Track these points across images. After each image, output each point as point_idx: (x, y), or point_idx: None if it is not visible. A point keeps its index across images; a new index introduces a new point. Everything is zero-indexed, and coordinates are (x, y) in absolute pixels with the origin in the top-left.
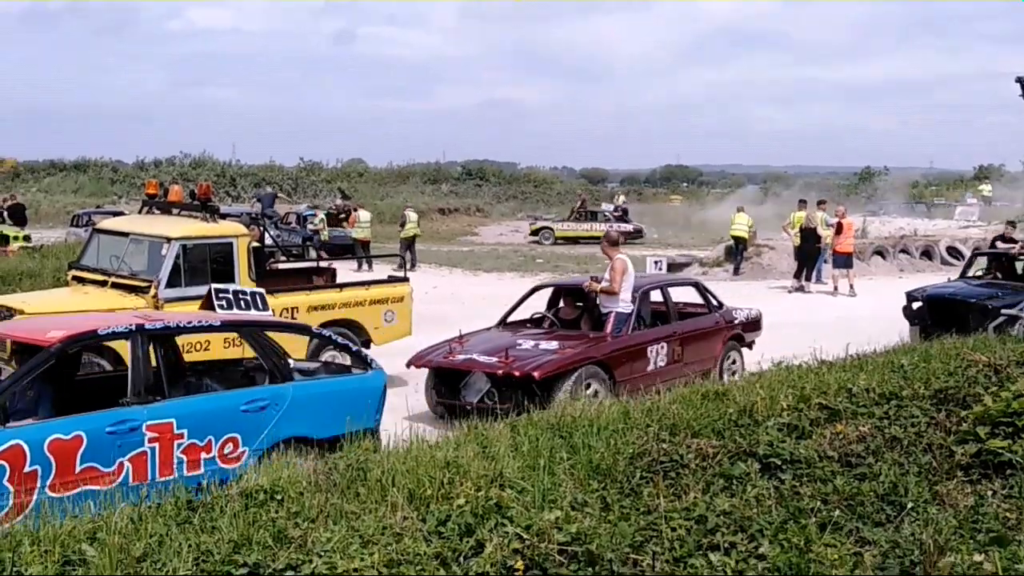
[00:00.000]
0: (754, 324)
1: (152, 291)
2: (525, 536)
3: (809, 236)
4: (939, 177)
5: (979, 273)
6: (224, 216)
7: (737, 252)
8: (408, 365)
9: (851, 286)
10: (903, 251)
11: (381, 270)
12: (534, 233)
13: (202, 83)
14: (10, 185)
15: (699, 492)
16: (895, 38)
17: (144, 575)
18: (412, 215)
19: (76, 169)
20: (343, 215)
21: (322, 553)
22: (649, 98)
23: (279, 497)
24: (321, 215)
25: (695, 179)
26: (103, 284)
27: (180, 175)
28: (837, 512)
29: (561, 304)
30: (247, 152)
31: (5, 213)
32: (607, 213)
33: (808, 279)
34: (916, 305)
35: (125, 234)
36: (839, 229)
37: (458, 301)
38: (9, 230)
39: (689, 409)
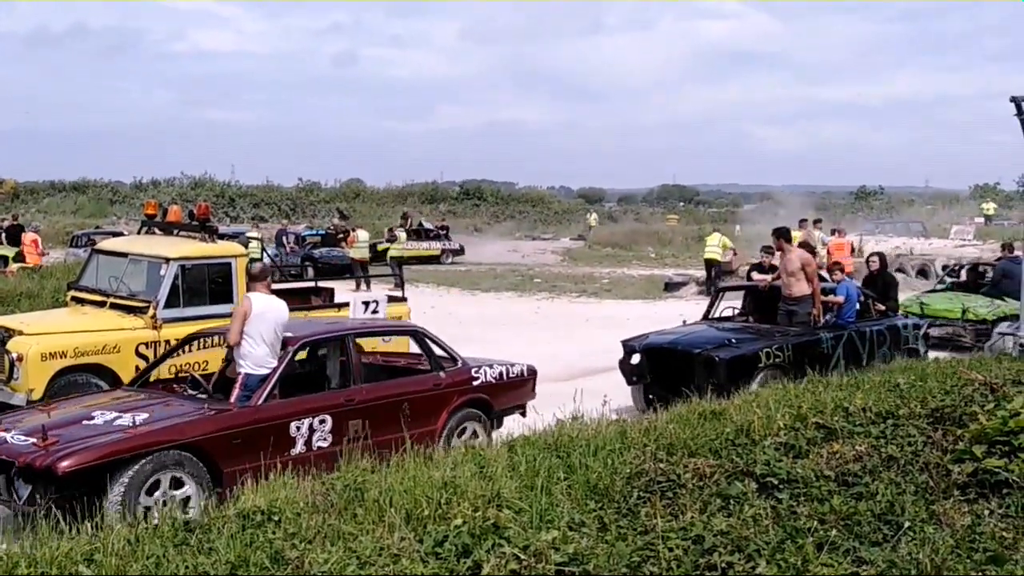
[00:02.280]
0: (512, 386)
1: (151, 311)
2: (522, 556)
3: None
4: (935, 196)
5: (732, 312)
6: (222, 236)
7: (710, 275)
8: None
9: None
10: (899, 270)
11: (378, 290)
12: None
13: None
14: (10, 206)
15: (696, 512)
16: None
17: None
18: (402, 234)
19: (75, 190)
20: (341, 235)
21: (319, 574)
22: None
23: (276, 518)
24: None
25: (692, 198)
26: (102, 304)
27: (179, 196)
28: (834, 532)
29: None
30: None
31: (3, 234)
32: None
33: None
34: (635, 358)
35: (124, 254)
36: (829, 249)
37: (455, 321)
38: (8, 251)
39: (686, 429)
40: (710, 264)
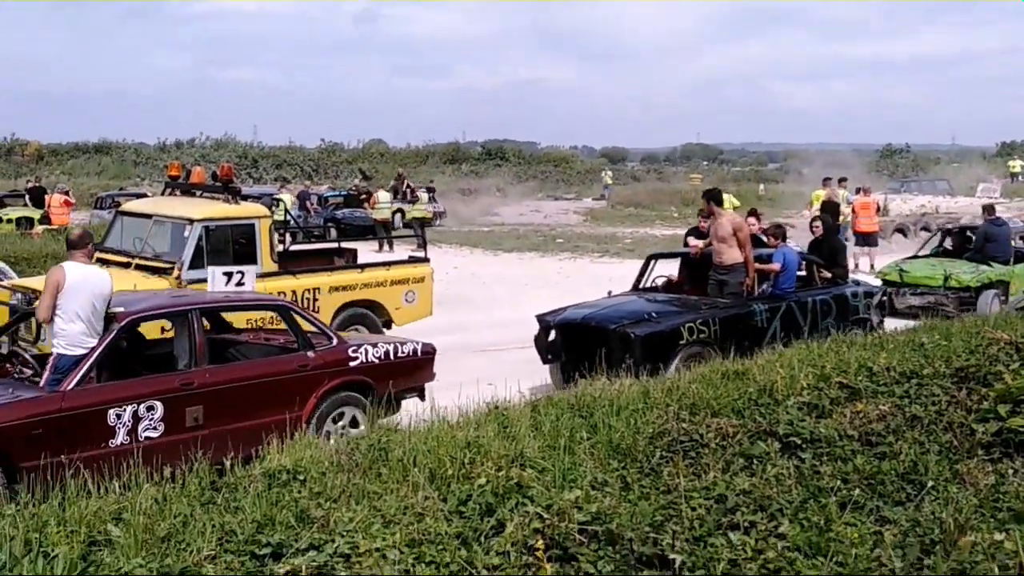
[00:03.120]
0: (403, 367)
1: (175, 272)
2: (545, 515)
3: (829, 210)
4: (961, 154)
5: (661, 282)
6: (246, 197)
7: None
8: None
9: (872, 265)
10: (924, 228)
11: (401, 251)
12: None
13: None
14: (34, 168)
15: (719, 471)
16: (920, 14)
17: (169, 554)
18: (423, 195)
19: (99, 152)
20: (364, 196)
21: (344, 533)
22: (670, 76)
23: (302, 477)
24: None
25: (715, 157)
26: (127, 266)
27: (202, 157)
28: (857, 491)
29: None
30: (269, 134)
31: (27, 196)
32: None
33: None
34: (552, 335)
35: (148, 216)
36: (854, 208)
37: (478, 281)
38: (33, 212)
39: (709, 388)
40: None
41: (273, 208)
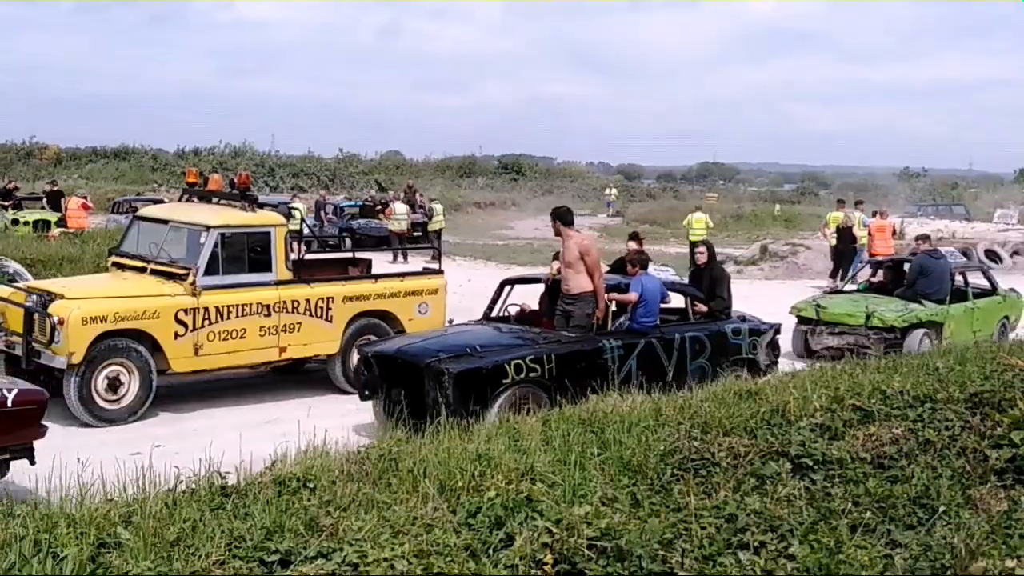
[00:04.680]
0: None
1: (190, 278)
2: (555, 530)
3: (845, 236)
4: (979, 179)
5: (515, 311)
6: (262, 206)
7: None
8: None
9: None
10: None
11: (416, 262)
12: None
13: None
14: (52, 171)
15: (730, 491)
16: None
17: (177, 558)
18: (439, 207)
19: (117, 156)
20: (379, 207)
21: (353, 542)
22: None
23: (312, 485)
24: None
25: (732, 177)
26: (142, 270)
27: (220, 164)
28: (868, 514)
29: None
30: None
31: (45, 199)
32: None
33: (843, 279)
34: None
35: (165, 222)
36: (870, 231)
37: (490, 294)
38: (51, 215)
39: (721, 407)
40: (695, 245)
41: (289, 217)
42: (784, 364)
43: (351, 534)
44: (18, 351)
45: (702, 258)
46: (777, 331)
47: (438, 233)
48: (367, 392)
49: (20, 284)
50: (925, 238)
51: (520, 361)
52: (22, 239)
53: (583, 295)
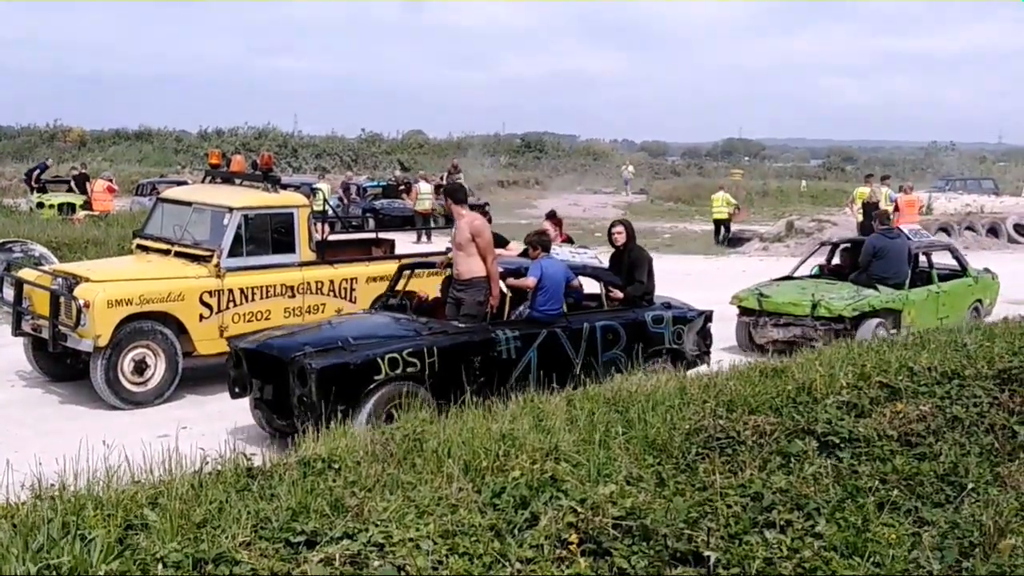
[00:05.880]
0: None
1: (214, 260)
2: (580, 510)
3: (871, 211)
4: (1008, 153)
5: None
6: (285, 187)
7: (719, 232)
8: None
9: None
10: (969, 228)
11: (440, 242)
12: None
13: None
14: (76, 154)
15: (755, 469)
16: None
17: (204, 540)
18: (424, 186)
19: (140, 139)
20: (402, 187)
21: (378, 522)
22: (713, 70)
23: (337, 466)
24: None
25: (757, 153)
26: (166, 253)
27: (243, 145)
28: (896, 492)
29: None
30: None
31: (72, 182)
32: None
33: None
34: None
35: (188, 204)
36: (896, 206)
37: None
38: (76, 199)
39: (747, 385)
40: (718, 223)
41: (311, 197)
42: (728, 358)
43: (376, 514)
44: (45, 334)
45: (620, 238)
46: (708, 318)
47: (551, 211)
48: (236, 390)
49: (46, 267)
50: (883, 216)
51: (396, 355)
52: (47, 222)
53: (474, 280)
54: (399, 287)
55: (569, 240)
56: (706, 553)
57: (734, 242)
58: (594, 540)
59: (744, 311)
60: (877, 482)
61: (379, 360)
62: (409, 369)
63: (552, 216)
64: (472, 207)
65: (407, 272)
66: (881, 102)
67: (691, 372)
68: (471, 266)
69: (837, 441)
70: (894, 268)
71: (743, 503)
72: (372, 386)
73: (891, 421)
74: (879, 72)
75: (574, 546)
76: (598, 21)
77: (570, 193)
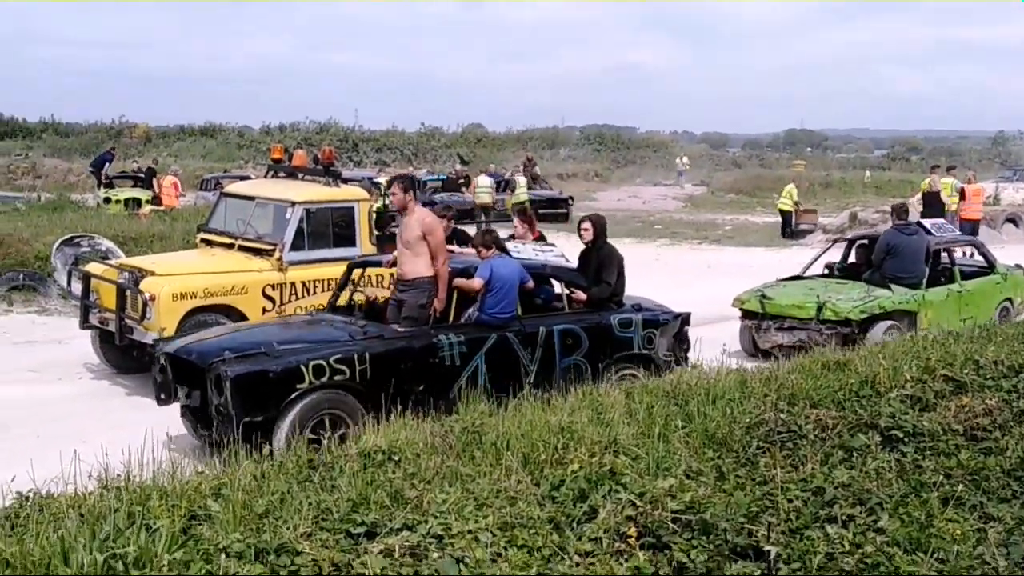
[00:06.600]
0: None
1: (277, 254)
2: (639, 503)
3: (932, 202)
4: None
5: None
6: (346, 181)
7: (785, 223)
8: None
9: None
10: None
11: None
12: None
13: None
14: (142, 150)
15: (817, 463)
16: None
17: (266, 530)
18: (521, 180)
19: (204, 134)
20: (462, 180)
21: (437, 514)
22: (775, 61)
23: (396, 458)
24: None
25: (820, 143)
26: (230, 247)
27: (304, 140)
28: (961, 487)
29: None
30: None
31: (145, 176)
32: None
33: None
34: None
35: (251, 198)
36: (963, 195)
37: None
38: (143, 194)
39: (808, 379)
40: (784, 213)
41: (372, 191)
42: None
43: (435, 506)
44: (112, 327)
45: (587, 235)
46: (684, 322)
47: (522, 207)
48: (162, 396)
49: (113, 261)
50: (899, 210)
51: (322, 362)
52: (114, 217)
53: (418, 281)
54: (351, 285)
55: (541, 238)
56: (766, 548)
57: (797, 234)
58: (653, 534)
59: (747, 314)
60: (942, 477)
61: (302, 367)
62: (337, 377)
63: (523, 212)
64: (556, 201)
65: (360, 271)
66: (946, 91)
67: (750, 365)
68: (416, 266)
69: (901, 435)
70: (909, 266)
71: (804, 498)
72: (294, 395)
73: (956, 415)
74: (944, 61)
75: (633, 540)
76: (658, 14)
77: (630, 185)
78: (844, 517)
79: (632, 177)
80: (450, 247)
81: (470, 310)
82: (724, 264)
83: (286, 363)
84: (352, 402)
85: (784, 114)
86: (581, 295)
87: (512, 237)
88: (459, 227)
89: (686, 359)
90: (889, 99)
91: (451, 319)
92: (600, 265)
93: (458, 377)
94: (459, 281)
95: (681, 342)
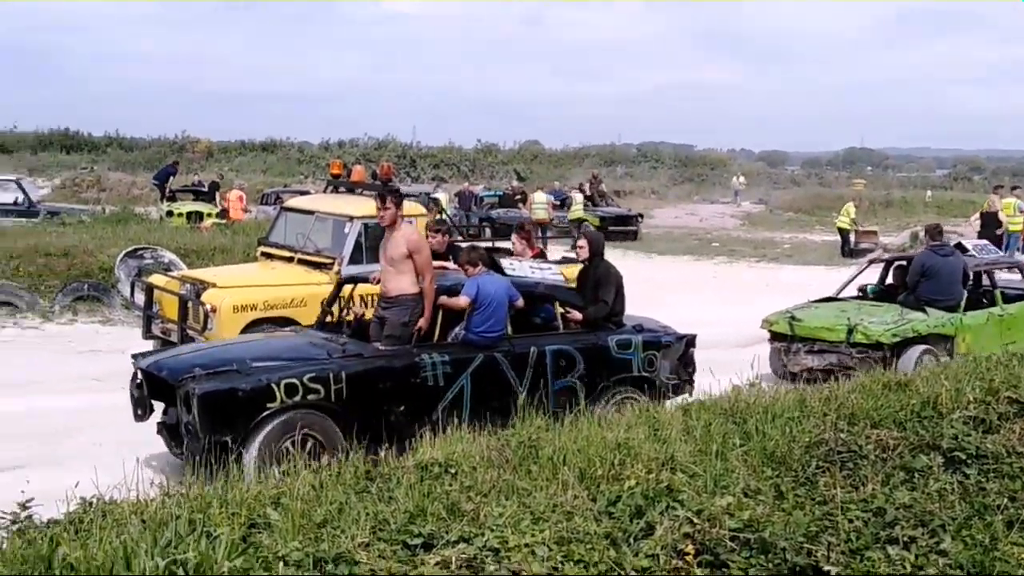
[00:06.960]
0: None
1: (335, 267)
2: (696, 521)
3: (990, 222)
4: None
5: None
6: (404, 196)
7: (844, 241)
8: None
9: None
10: None
11: (554, 252)
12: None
13: (388, 67)
14: (204, 164)
15: (878, 484)
16: None
17: (324, 540)
18: (578, 197)
19: (265, 150)
20: (519, 196)
21: (494, 527)
22: (834, 79)
23: (453, 471)
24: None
25: (880, 162)
26: (290, 260)
27: (363, 156)
28: None
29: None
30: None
31: (208, 190)
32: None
33: None
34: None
35: (311, 212)
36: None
37: (631, 283)
38: (206, 207)
39: (869, 399)
40: (841, 231)
41: (430, 207)
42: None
43: (492, 519)
44: (174, 337)
45: (583, 252)
46: (690, 344)
47: (578, 223)
48: (138, 412)
49: (175, 273)
50: (933, 231)
51: (294, 380)
52: (176, 230)
53: (401, 298)
54: (344, 302)
55: (541, 255)
56: (826, 568)
57: (856, 253)
58: (711, 551)
59: (776, 336)
60: (1006, 500)
61: (273, 386)
62: (311, 396)
63: (521, 229)
64: (625, 218)
65: (350, 287)
66: (1011, 111)
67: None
68: (400, 283)
69: (964, 457)
70: (945, 288)
71: (865, 518)
72: (264, 415)
73: (1021, 437)
74: (1009, 80)
75: (690, 557)
76: (717, 32)
77: (687, 203)
78: (906, 539)
79: (689, 195)
80: (446, 264)
81: (456, 329)
82: (782, 282)
83: (256, 381)
84: (328, 423)
85: (844, 132)
86: (577, 315)
87: (511, 253)
88: (456, 243)
89: (691, 383)
90: (952, 118)
91: (435, 338)
92: (597, 283)
93: (441, 398)
94: (444, 299)
95: (686, 365)
